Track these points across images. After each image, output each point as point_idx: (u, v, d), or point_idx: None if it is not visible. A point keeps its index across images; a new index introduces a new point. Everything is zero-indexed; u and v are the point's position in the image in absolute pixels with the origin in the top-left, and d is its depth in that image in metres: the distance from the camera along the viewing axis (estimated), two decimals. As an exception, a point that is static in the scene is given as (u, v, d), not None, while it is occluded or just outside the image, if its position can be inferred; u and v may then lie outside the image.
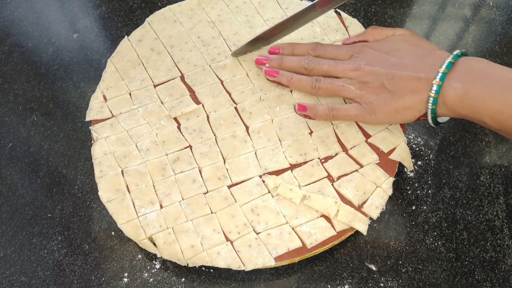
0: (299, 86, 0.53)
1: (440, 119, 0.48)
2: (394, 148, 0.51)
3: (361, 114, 0.49)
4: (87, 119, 0.53)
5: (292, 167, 0.50)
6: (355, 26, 0.59)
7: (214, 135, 0.52)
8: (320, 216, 0.48)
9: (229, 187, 0.49)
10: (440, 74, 0.44)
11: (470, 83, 0.43)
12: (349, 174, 0.50)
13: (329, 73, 0.52)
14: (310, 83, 0.52)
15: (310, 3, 0.51)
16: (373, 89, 0.49)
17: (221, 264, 0.45)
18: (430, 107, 0.46)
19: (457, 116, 0.46)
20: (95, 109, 0.54)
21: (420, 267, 0.49)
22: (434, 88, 0.45)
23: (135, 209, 0.48)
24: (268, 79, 0.54)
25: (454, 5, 0.66)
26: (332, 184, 0.49)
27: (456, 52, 0.46)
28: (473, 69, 0.44)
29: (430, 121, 0.47)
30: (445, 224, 0.51)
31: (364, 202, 0.49)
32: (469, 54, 0.47)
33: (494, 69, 0.44)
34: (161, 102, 0.54)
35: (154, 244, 0.47)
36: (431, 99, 0.45)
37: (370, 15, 0.65)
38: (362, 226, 0.47)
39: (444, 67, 0.45)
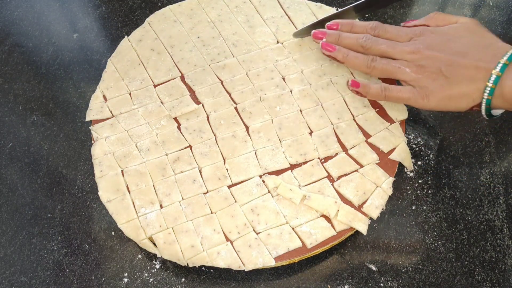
0: (354, 64, 0.53)
1: (493, 112, 0.48)
2: (394, 148, 0.51)
3: (413, 97, 0.49)
4: (87, 119, 0.53)
5: (292, 167, 0.50)
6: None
7: (214, 135, 0.52)
8: (320, 216, 0.48)
9: (229, 187, 0.49)
10: (500, 65, 0.44)
11: None
12: (349, 174, 0.50)
13: (386, 54, 0.51)
14: (366, 61, 0.51)
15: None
16: (429, 74, 0.48)
17: (221, 264, 0.45)
18: (485, 97, 0.45)
19: None
20: (95, 109, 0.54)
21: (420, 267, 0.49)
22: (493, 78, 0.44)
23: (135, 209, 0.48)
24: (323, 53, 0.54)
25: (454, 5, 0.66)
26: (332, 184, 0.49)
27: None
28: None
29: (483, 112, 0.47)
30: (445, 224, 0.51)
31: (364, 202, 0.49)
32: None
33: None
34: (161, 102, 0.54)
35: (154, 244, 0.47)
36: (488, 89, 0.45)
37: (370, 15, 0.65)
38: (362, 226, 0.47)
39: (505, 58, 0.44)
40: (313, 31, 0.55)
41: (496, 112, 0.48)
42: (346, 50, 0.53)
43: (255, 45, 0.58)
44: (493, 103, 0.46)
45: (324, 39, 0.54)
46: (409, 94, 0.49)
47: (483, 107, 0.46)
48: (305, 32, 0.57)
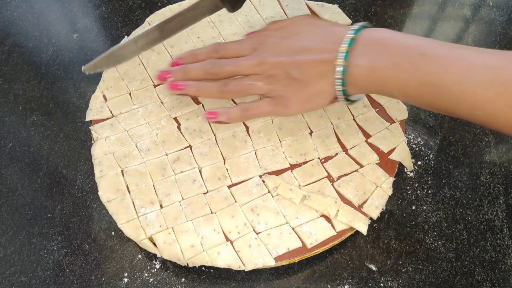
0: (207, 94, 0.49)
1: (353, 97, 0.46)
2: (394, 148, 0.51)
3: (274, 109, 0.47)
4: (87, 119, 0.53)
5: (292, 167, 0.50)
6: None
7: (214, 135, 0.52)
8: (320, 216, 0.48)
9: (229, 187, 0.49)
10: (341, 54, 0.42)
11: (374, 57, 0.41)
12: (349, 174, 0.50)
13: (234, 73, 0.48)
14: (218, 88, 0.48)
15: None
16: (281, 81, 0.46)
17: (221, 264, 0.45)
18: (339, 89, 0.44)
19: (369, 93, 0.45)
20: (95, 109, 0.54)
21: (420, 267, 0.49)
22: (339, 69, 0.43)
23: (135, 209, 0.48)
24: (174, 94, 0.50)
25: (454, 5, 0.66)
26: (332, 184, 0.49)
27: (355, 26, 0.43)
28: (376, 41, 0.42)
29: (344, 102, 0.45)
30: (445, 224, 0.51)
31: (364, 202, 0.48)
32: (369, 26, 0.44)
33: (398, 38, 0.42)
34: (161, 102, 0.54)
35: (154, 244, 0.47)
36: (338, 81, 0.43)
37: (370, 15, 0.65)
38: (362, 226, 0.47)
39: (345, 45, 0.42)
40: (157, 73, 0.50)
41: (356, 96, 0.46)
42: (195, 83, 0.49)
43: (255, 45, 0.57)
44: (349, 91, 0.44)
45: (171, 78, 0.50)
46: (269, 106, 0.47)
47: (341, 97, 0.45)
48: (101, 64, 0.51)
